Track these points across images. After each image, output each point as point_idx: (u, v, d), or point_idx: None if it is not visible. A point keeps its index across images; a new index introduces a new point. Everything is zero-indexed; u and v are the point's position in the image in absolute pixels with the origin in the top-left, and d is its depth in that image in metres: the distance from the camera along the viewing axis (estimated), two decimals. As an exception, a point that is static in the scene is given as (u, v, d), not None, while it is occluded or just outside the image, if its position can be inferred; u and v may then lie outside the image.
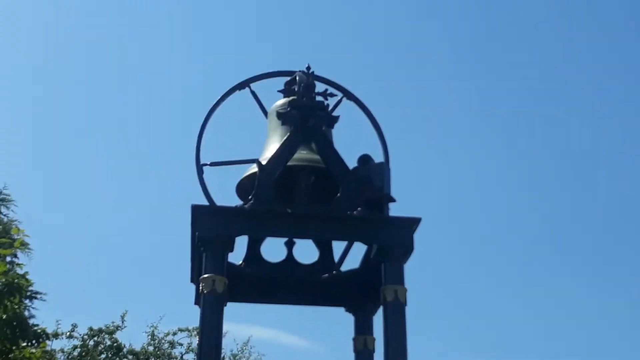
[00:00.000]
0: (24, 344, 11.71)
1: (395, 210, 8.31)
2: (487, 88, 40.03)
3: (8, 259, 11.32)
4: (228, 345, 17.86)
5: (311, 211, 8.25)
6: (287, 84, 8.97)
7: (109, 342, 16.45)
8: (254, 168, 8.37)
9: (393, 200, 8.30)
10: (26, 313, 12.77)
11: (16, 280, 10.88)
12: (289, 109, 8.48)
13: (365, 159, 8.52)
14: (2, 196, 16.91)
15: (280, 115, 8.51)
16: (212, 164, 8.53)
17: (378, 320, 8.55)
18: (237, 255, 8.77)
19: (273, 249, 9.16)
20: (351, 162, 8.44)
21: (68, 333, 16.09)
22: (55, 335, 15.30)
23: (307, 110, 8.41)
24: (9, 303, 10.78)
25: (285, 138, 8.38)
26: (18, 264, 11.77)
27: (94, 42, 40.01)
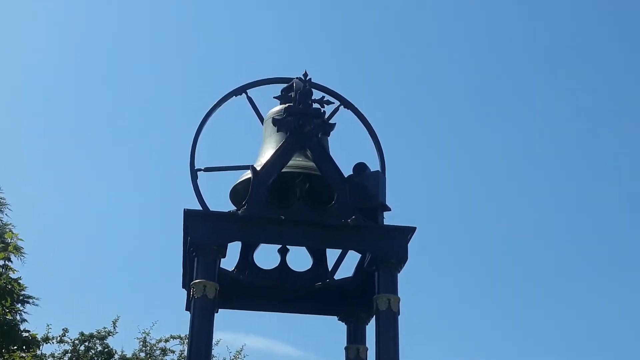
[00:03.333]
0: (14, 348, 11.79)
1: (389, 219, 8.40)
2: (487, 98, 40.25)
3: (1, 262, 11.39)
4: (221, 353, 17.95)
5: (305, 218, 8.29)
6: (283, 90, 9.04)
7: (100, 348, 16.52)
8: (248, 174, 8.44)
9: (388, 209, 8.38)
10: (17, 317, 12.87)
11: (9, 286, 10.99)
12: (285, 115, 8.55)
13: (360, 167, 8.57)
14: (-4, 199, 17.05)
15: (276, 122, 8.57)
16: (207, 170, 8.60)
17: (371, 329, 8.65)
18: (230, 261, 8.83)
19: (266, 256, 9.23)
20: (347, 170, 8.52)
21: (59, 338, 16.23)
22: (46, 340, 15.41)
23: (303, 117, 8.48)
24: (0, 307, 10.87)
25: (280, 144, 8.47)
26: (11, 268, 11.88)
27: (88, 44, 40.22)
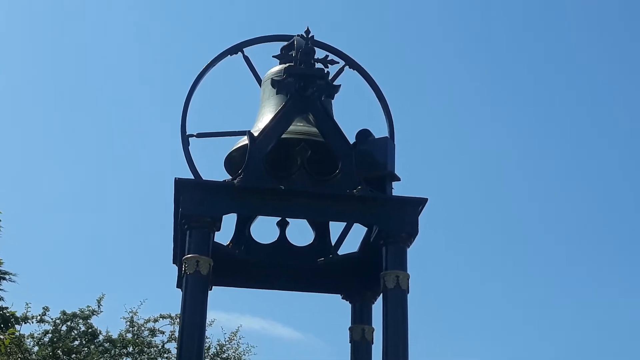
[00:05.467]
0: (-7, 328, 11.67)
1: (399, 189, 8.24)
2: (502, 62, 40.00)
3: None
4: (215, 334, 18.01)
5: (307, 189, 8.11)
6: (283, 49, 8.88)
7: (83, 328, 16.52)
8: (244, 140, 8.26)
9: (397, 178, 8.22)
10: (-7, 295, 12.76)
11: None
12: (285, 76, 8.38)
13: (366, 134, 8.38)
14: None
15: (275, 83, 8.42)
16: (199, 135, 8.41)
17: (377, 308, 8.53)
18: (224, 235, 8.74)
19: (264, 230, 9.18)
20: (352, 136, 8.35)
21: (39, 317, 16.16)
22: (25, 319, 15.32)
23: (305, 78, 8.30)
24: (-25, 283, 10.74)
25: (279, 108, 8.28)
26: (-13, 240, 11.78)
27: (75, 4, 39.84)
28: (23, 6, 40.32)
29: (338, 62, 8.74)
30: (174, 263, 8.58)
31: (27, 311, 15.57)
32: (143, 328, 17.27)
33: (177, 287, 8.23)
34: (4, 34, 40.49)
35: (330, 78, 8.57)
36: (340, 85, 8.57)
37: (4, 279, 15.75)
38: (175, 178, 7.87)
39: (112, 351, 16.78)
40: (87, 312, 16.62)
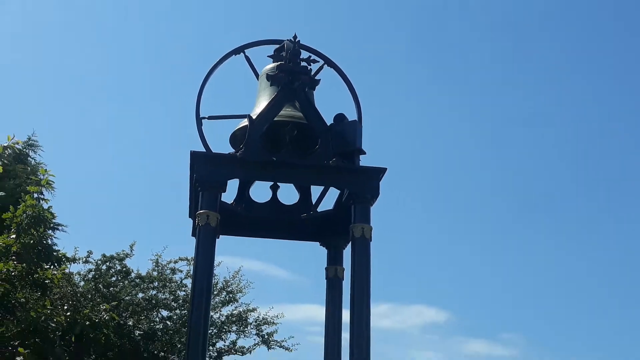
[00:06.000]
0: (47, 267, 11.73)
1: (365, 161, 8.24)
2: (449, 49, 39.88)
3: (35, 195, 11.30)
4: (222, 273, 17.91)
5: (293, 160, 8.20)
6: (276, 50, 8.80)
7: (119, 267, 16.44)
8: (245, 122, 8.27)
9: (363, 152, 8.21)
10: (49, 241, 12.77)
11: (42, 213, 10.90)
12: (277, 72, 8.38)
13: (340, 117, 8.36)
14: (30, 142, 16.79)
15: (269, 78, 8.43)
16: (210, 118, 8.37)
17: (347, 253, 8.54)
18: (229, 196, 8.72)
19: (260, 192, 9.14)
20: (329, 120, 8.33)
21: (84, 259, 16.05)
22: (73, 260, 15.23)
23: (293, 74, 8.32)
24: (35, 232, 10.79)
25: (272, 97, 8.30)
26: (44, 199, 11.75)
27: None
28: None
29: (319, 61, 8.66)
30: (189, 217, 8.60)
31: (75, 254, 15.44)
32: (165, 268, 17.25)
33: (192, 235, 8.23)
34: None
35: (312, 74, 8.54)
36: (320, 79, 8.53)
37: (57, 229, 15.85)
38: (191, 151, 7.92)
39: (141, 285, 16.78)
40: (122, 255, 16.55)
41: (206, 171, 7.83)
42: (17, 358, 10.22)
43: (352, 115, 8.54)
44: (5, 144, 11.67)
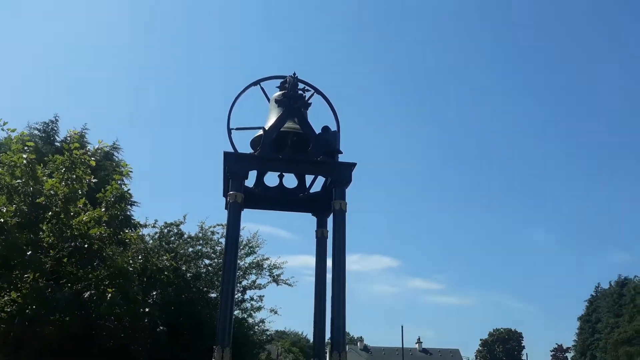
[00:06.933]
0: (127, 230, 11.77)
1: (342, 158, 8.23)
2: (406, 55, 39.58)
3: (118, 182, 11.36)
4: (245, 234, 17.94)
5: (294, 157, 8.21)
6: (282, 83, 8.76)
7: (176, 231, 16.37)
8: (260, 132, 8.27)
9: (341, 152, 8.25)
10: (128, 213, 12.79)
11: (123, 194, 10.96)
12: (282, 97, 8.40)
13: (325, 128, 8.40)
14: (115, 145, 16.88)
15: (277, 101, 8.43)
16: (237, 129, 8.35)
17: (330, 220, 8.48)
18: (250, 181, 8.71)
19: (271, 179, 9.11)
20: (317, 129, 8.33)
21: (152, 225, 15.97)
22: (144, 226, 15.23)
23: (293, 99, 8.35)
24: (118, 207, 10.85)
25: (279, 115, 8.31)
26: (124, 184, 11.77)
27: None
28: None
29: (310, 91, 8.64)
30: (223, 196, 8.56)
31: (146, 221, 15.48)
32: (207, 231, 17.18)
33: (225, 209, 8.20)
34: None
35: (306, 99, 8.53)
36: (311, 103, 8.53)
37: (134, 204, 15.83)
38: (224, 151, 7.92)
39: (191, 242, 16.77)
40: (178, 222, 16.52)
41: (234, 165, 7.84)
42: (107, 294, 10.24)
43: (333, 127, 8.57)
44: (97, 146, 11.63)
